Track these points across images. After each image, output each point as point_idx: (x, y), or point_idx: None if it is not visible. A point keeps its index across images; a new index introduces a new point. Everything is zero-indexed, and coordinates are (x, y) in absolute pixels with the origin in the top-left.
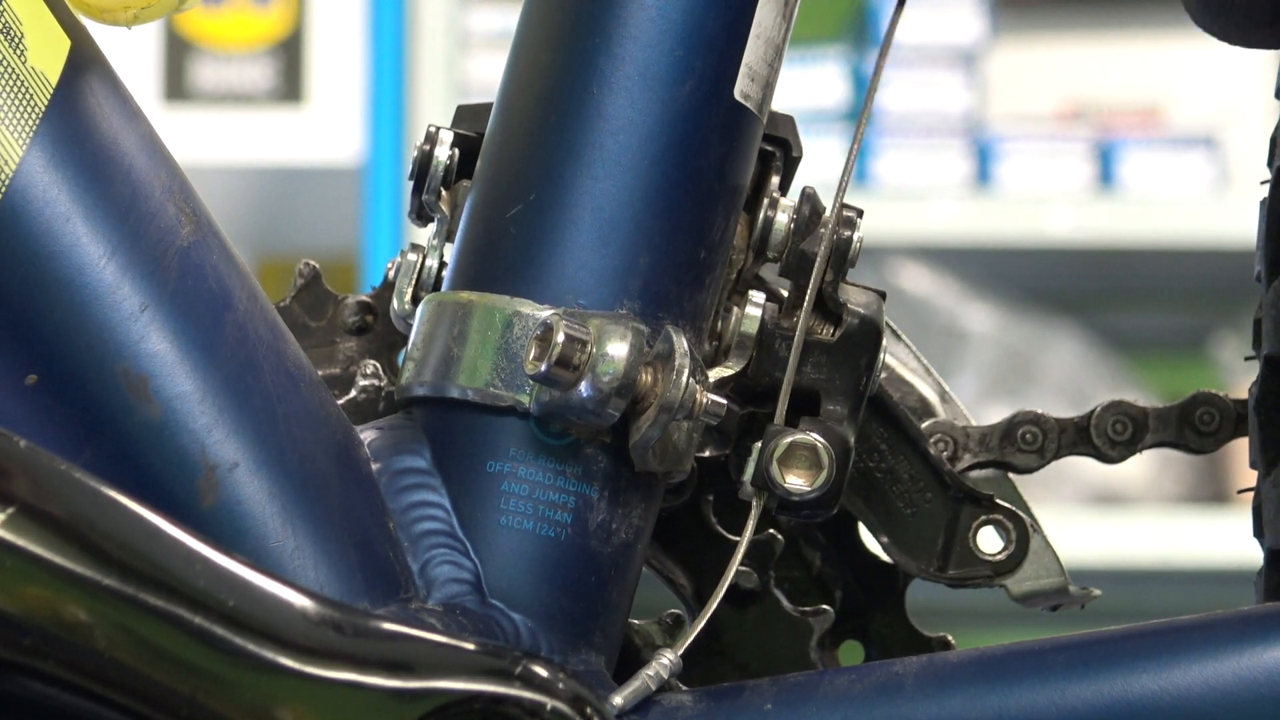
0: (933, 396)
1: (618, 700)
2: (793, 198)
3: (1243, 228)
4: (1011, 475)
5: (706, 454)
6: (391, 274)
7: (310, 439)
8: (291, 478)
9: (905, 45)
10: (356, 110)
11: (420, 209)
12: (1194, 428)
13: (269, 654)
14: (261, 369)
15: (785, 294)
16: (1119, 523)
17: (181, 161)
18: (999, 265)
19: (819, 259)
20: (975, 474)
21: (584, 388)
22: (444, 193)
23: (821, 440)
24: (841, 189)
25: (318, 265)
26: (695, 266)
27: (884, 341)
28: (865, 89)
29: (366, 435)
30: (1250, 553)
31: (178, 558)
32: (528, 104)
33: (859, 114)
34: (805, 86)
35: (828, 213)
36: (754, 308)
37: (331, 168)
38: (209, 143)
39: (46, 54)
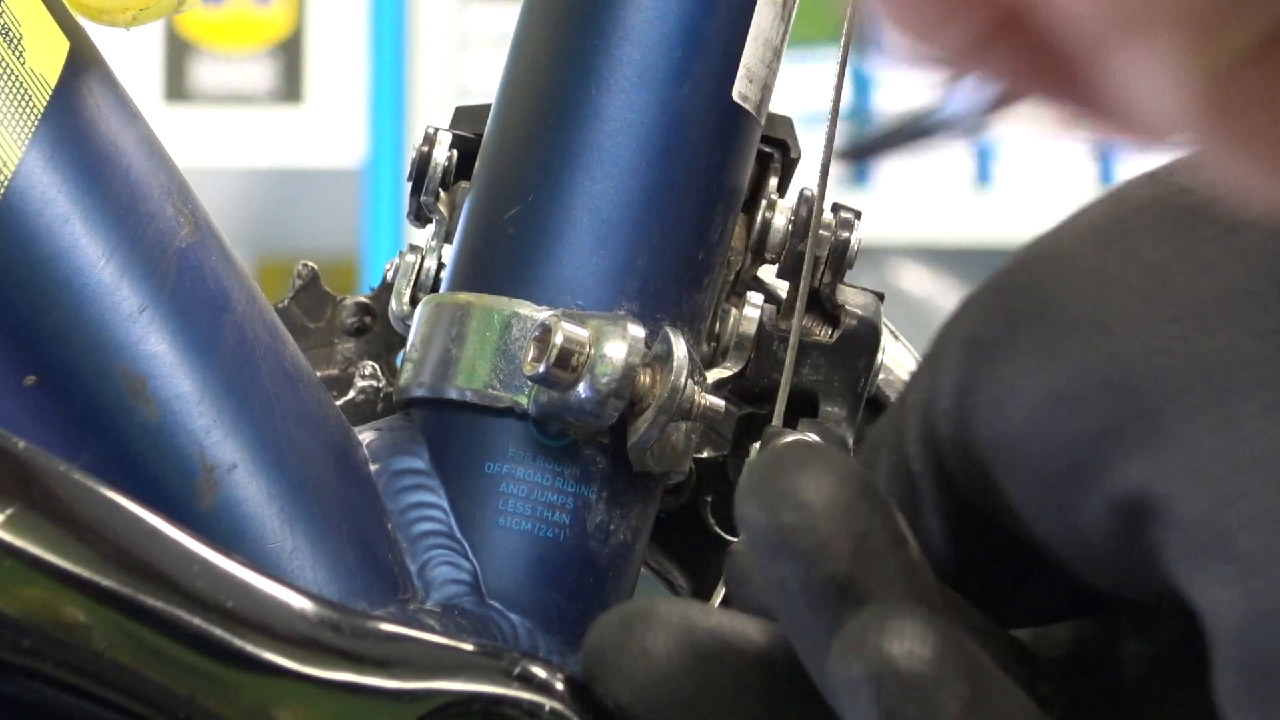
0: None
1: None
2: (791, 199)
3: None
4: None
5: (705, 455)
6: (390, 275)
7: (309, 440)
8: (290, 479)
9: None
10: (356, 111)
11: (419, 210)
12: None
13: (267, 654)
14: (260, 370)
15: (784, 295)
16: None
17: (182, 162)
18: (999, 265)
19: (806, 260)
20: None
21: (582, 389)
22: (442, 194)
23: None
24: (821, 193)
25: (316, 266)
26: (693, 268)
27: (882, 342)
28: (865, 89)
29: (365, 436)
30: None
31: (176, 558)
32: (526, 106)
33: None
34: (805, 87)
35: (824, 215)
36: (752, 309)
37: (331, 168)
38: (209, 143)
39: (45, 55)
